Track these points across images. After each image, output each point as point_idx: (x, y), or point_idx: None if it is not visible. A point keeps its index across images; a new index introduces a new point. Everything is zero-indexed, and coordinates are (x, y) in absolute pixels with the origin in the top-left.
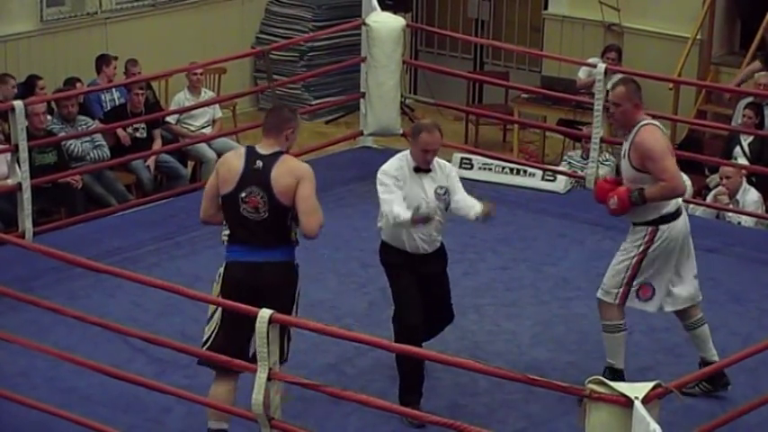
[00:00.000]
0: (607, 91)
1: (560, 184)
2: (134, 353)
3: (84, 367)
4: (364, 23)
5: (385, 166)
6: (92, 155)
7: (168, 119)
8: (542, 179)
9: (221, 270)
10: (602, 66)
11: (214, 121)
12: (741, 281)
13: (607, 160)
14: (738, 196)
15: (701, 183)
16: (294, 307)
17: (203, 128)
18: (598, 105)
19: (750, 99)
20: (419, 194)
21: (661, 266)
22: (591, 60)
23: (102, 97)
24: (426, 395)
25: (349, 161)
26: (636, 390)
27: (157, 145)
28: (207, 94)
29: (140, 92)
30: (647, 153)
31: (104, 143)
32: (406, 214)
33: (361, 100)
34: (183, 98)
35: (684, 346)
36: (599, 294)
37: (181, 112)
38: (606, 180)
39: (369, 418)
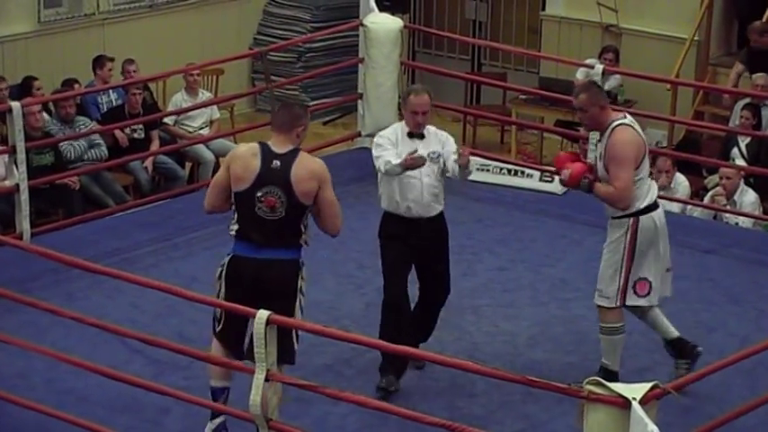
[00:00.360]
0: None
1: (558, 185)
2: (132, 354)
3: (82, 368)
4: (362, 24)
5: (380, 132)
6: (89, 154)
7: (166, 120)
8: (540, 180)
9: (226, 260)
10: (599, 67)
11: (212, 122)
12: (738, 282)
13: None
14: (736, 197)
15: (698, 184)
16: (298, 304)
17: (201, 129)
18: None
19: (747, 100)
20: None
21: (651, 257)
22: (588, 61)
23: (99, 99)
24: (424, 396)
25: (346, 162)
26: (633, 391)
27: (155, 146)
28: (204, 95)
29: (138, 92)
30: (612, 155)
31: (102, 142)
32: (396, 160)
33: (359, 101)
34: (180, 99)
35: None
36: (597, 301)
37: (178, 113)
38: (568, 152)
39: (367, 419)
